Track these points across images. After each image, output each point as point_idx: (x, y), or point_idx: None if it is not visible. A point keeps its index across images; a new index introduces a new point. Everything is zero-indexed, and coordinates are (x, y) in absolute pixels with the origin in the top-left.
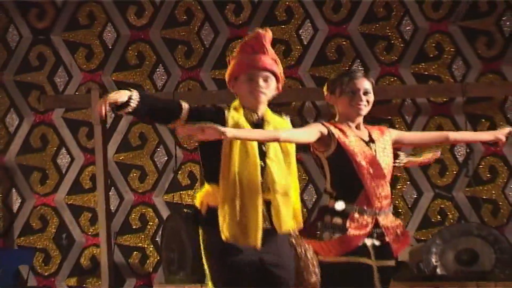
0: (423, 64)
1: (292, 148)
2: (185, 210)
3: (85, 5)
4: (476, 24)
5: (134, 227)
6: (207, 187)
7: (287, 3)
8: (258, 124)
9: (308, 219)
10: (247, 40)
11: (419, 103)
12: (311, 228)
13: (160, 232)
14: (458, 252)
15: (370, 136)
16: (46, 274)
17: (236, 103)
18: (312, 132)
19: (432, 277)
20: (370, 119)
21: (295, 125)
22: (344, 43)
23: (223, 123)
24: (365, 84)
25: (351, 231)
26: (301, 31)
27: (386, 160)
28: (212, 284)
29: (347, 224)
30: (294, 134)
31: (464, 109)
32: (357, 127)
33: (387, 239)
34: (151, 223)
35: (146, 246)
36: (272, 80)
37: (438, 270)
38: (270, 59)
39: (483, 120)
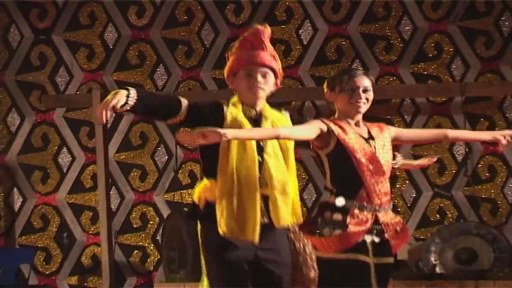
0: (422, 64)
1: (290, 144)
2: (185, 209)
3: (86, 5)
4: (475, 24)
5: (134, 226)
6: (205, 181)
7: (287, 3)
8: (256, 119)
9: (308, 218)
10: (246, 36)
11: (418, 102)
12: (311, 224)
13: (160, 231)
14: (457, 251)
15: (369, 133)
16: (47, 273)
17: (234, 98)
18: (311, 129)
19: (431, 276)
20: (370, 119)
21: (294, 120)
22: (343, 43)
23: (222, 118)
24: (365, 82)
25: (351, 228)
26: (301, 31)
27: (385, 157)
28: (207, 279)
29: (348, 220)
30: (293, 131)
31: (463, 109)
32: (357, 124)
33: (386, 236)
34: (152, 222)
35: (146, 245)
36: (271, 76)
37: (437, 269)
38: (269, 55)
39: (482, 119)
